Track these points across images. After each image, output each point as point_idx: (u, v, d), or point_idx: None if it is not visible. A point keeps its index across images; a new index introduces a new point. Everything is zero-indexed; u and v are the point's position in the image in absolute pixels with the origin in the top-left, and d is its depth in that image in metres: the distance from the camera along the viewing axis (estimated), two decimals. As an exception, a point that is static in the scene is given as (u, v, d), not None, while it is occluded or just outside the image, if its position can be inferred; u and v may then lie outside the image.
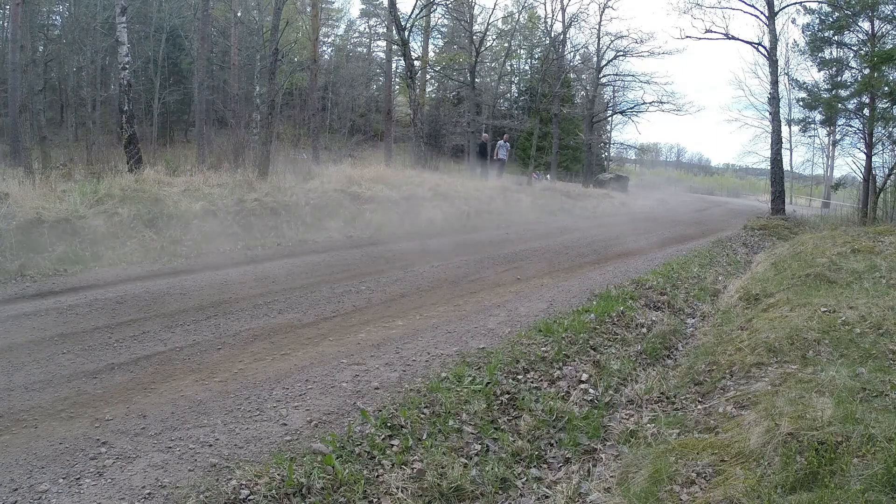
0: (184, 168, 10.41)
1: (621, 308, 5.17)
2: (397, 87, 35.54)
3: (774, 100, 16.38)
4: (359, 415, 3.00)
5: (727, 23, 40.26)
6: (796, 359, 3.76)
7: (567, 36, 25.72)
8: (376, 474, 2.60)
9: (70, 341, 3.79)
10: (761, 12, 16.29)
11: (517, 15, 26.84)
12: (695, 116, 67.06)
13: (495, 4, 68.06)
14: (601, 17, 26.59)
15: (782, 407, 2.86)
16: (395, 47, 24.38)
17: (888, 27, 16.64)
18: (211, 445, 2.66)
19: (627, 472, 2.79)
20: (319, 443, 2.70)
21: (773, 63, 16.18)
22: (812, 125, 22.45)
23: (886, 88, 15.23)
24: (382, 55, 35.35)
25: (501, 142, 17.97)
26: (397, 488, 2.53)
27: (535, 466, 2.97)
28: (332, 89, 34.39)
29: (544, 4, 53.10)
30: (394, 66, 32.16)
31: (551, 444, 3.17)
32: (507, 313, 4.93)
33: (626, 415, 3.59)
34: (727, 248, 9.79)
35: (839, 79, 19.16)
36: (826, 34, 18.06)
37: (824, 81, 20.16)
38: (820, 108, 19.57)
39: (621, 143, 40.12)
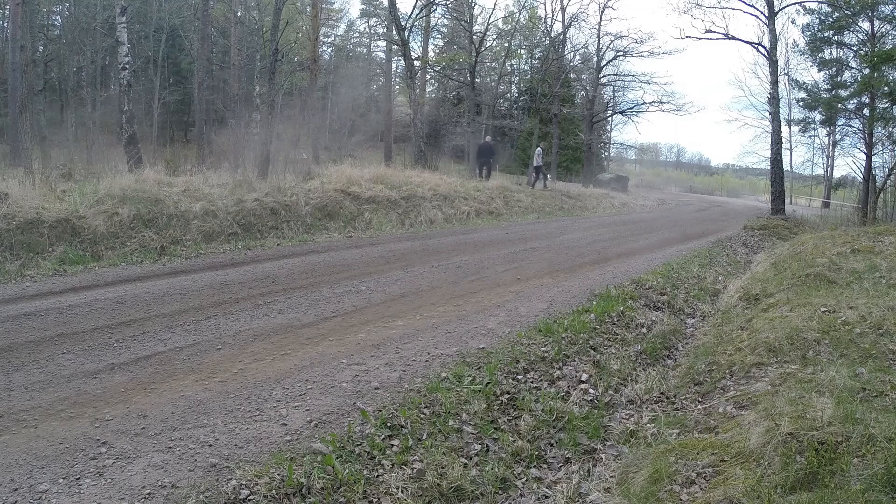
0: (184, 168, 10.40)
1: (621, 308, 5.18)
2: (397, 87, 35.55)
3: (774, 100, 16.38)
4: (359, 415, 3.01)
5: (727, 23, 40.33)
6: (796, 359, 3.76)
7: (567, 36, 25.76)
8: (376, 474, 2.60)
9: (70, 341, 3.79)
10: (761, 12, 16.32)
11: (517, 15, 26.82)
12: (694, 116, 67.16)
13: (495, 4, 68.10)
14: (601, 17, 26.62)
15: (782, 407, 2.86)
16: (395, 47, 24.41)
17: (888, 27, 16.69)
18: (211, 445, 2.66)
19: (627, 472, 2.79)
20: (319, 443, 2.70)
21: (773, 63, 16.19)
22: (812, 125, 22.56)
23: (886, 88, 15.25)
24: (382, 55, 35.37)
25: (539, 149, 17.74)
26: (397, 488, 2.53)
27: (535, 466, 2.97)
28: (332, 89, 34.35)
29: (544, 4, 53.08)
30: (394, 66, 32.22)
31: (551, 444, 3.17)
32: (507, 313, 4.93)
33: (626, 415, 3.59)
34: (727, 249, 9.79)
35: (839, 79, 19.22)
36: (826, 34, 18.12)
37: (824, 81, 20.24)
38: (820, 108, 19.64)
39: (621, 143, 40.19)
